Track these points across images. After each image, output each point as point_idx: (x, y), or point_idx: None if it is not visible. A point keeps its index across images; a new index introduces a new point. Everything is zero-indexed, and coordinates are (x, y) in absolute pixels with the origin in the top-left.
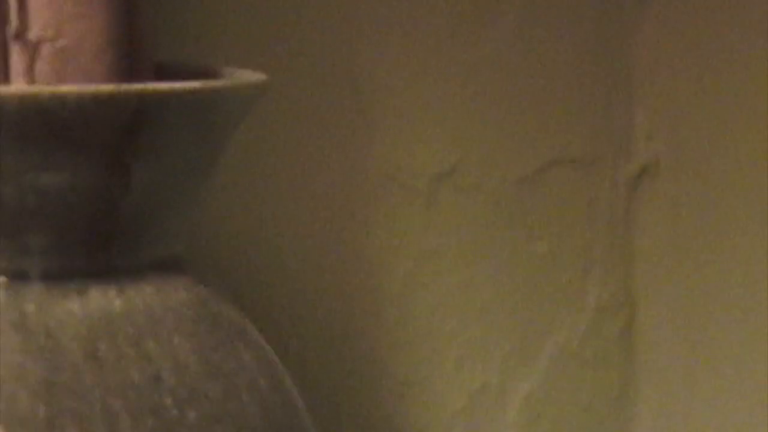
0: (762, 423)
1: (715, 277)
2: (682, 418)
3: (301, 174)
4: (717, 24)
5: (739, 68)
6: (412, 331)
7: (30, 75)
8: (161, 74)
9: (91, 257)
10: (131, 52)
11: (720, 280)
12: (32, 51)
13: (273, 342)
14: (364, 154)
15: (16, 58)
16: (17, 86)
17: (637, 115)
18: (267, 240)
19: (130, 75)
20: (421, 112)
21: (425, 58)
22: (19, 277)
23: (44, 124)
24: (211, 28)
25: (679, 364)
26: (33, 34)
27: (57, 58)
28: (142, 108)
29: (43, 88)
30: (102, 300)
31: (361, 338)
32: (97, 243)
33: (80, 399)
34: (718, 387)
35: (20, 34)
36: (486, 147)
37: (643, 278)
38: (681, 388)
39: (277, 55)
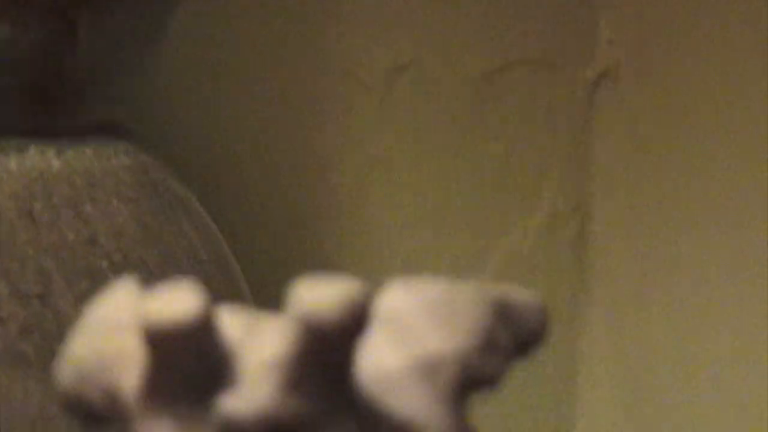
0: (713, 329)
1: (670, 186)
2: (633, 325)
3: (255, 64)
4: None
5: None
6: (363, 228)
7: None
8: None
9: (32, 116)
10: None
11: (675, 189)
12: None
13: (220, 230)
14: (319, 47)
15: None
16: None
17: (599, 19)
18: (218, 129)
19: None
20: (378, 5)
21: None
22: None
23: None
24: None
25: (631, 272)
26: None
27: None
28: None
29: None
30: (40, 159)
31: (310, 233)
32: (39, 102)
33: (12, 257)
34: (670, 295)
35: None
36: (444, 43)
37: (598, 184)
38: (632, 295)
39: None
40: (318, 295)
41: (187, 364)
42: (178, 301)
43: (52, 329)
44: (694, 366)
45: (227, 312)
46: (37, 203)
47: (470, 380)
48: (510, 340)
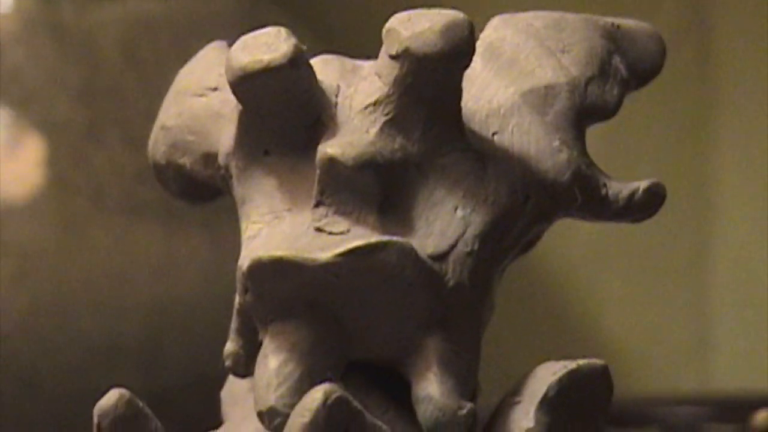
0: None
1: None
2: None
3: None
4: None
5: None
6: None
7: None
8: None
9: None
10: None
11: None
12: None
13: None
14: None
15: None
16: None
17: None
18: None
19: None
20: None
21: None
22: None
23: None
24: None
25: (757, 82)
26: None
27: None
28: None
29: None
30: (141, 2)
31: None
32: None
33: (121, 103)
34: None
35: None
36: None
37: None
38: (760, 103)
39: None
40: (416, 26)
41: (281, 113)
42: (265, 44)
43: None
44: None
45: (321, 61)
46: (142, 48)
47: (585, 109)
48: (625, 68)
